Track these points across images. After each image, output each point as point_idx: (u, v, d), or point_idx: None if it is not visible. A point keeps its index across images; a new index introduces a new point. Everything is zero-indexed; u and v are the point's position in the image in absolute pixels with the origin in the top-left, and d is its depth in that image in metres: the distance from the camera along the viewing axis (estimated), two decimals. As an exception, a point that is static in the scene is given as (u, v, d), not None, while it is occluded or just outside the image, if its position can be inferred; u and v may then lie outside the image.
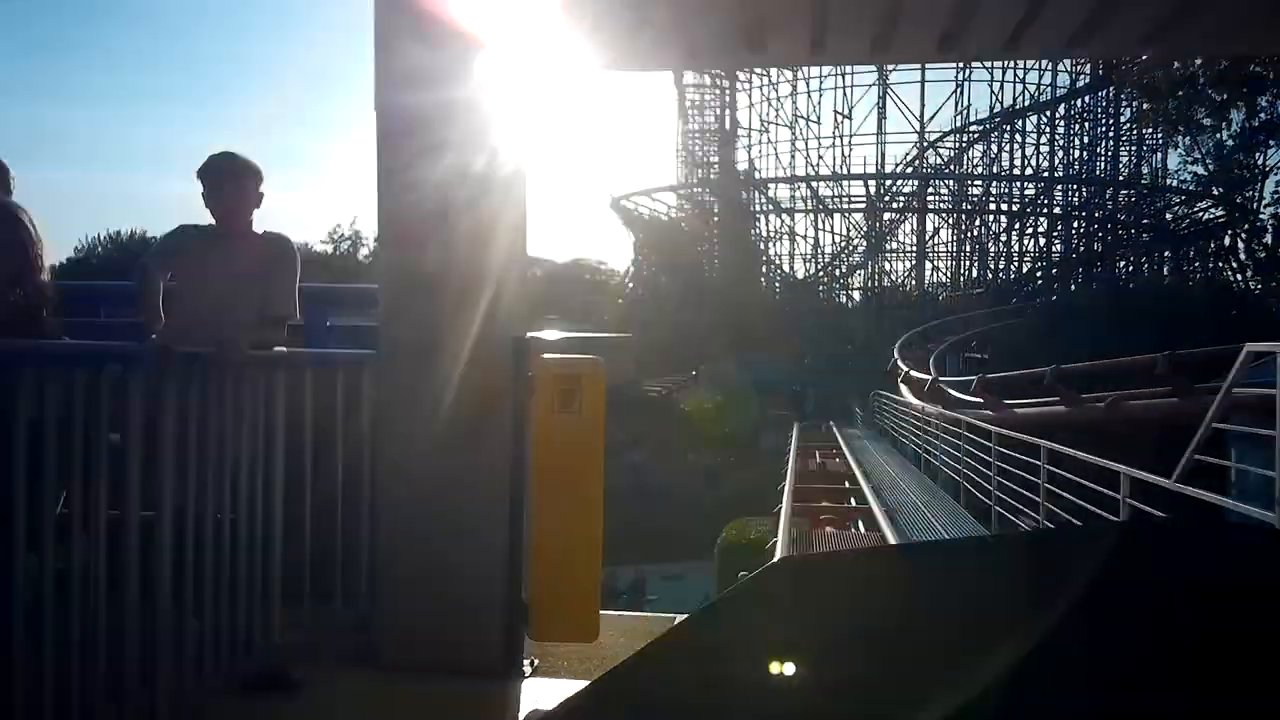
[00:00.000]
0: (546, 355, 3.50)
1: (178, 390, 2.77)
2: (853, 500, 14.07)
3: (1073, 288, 50.66)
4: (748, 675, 0.86)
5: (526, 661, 3.53)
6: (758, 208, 58.83)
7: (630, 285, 61.41)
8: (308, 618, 3.44)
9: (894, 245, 58.30)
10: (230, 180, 3.36)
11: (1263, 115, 41.54)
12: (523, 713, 3.27)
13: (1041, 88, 55.78)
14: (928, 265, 57.78)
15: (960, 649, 0.83)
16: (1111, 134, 55.27)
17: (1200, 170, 46.95)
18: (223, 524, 3.01)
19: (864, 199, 56.96)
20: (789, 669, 0.85)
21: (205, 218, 3.46)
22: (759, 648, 0.89)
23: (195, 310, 3.34)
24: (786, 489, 13.22)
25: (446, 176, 3.40)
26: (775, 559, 1.16)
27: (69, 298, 3.73)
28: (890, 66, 53.58)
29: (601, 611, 3.59)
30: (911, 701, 0.77)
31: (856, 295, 58.81)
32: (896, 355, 30.07)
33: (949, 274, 57.70)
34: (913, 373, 25.76)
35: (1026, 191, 56.72)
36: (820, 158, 57.48)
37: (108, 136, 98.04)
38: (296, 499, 3.41)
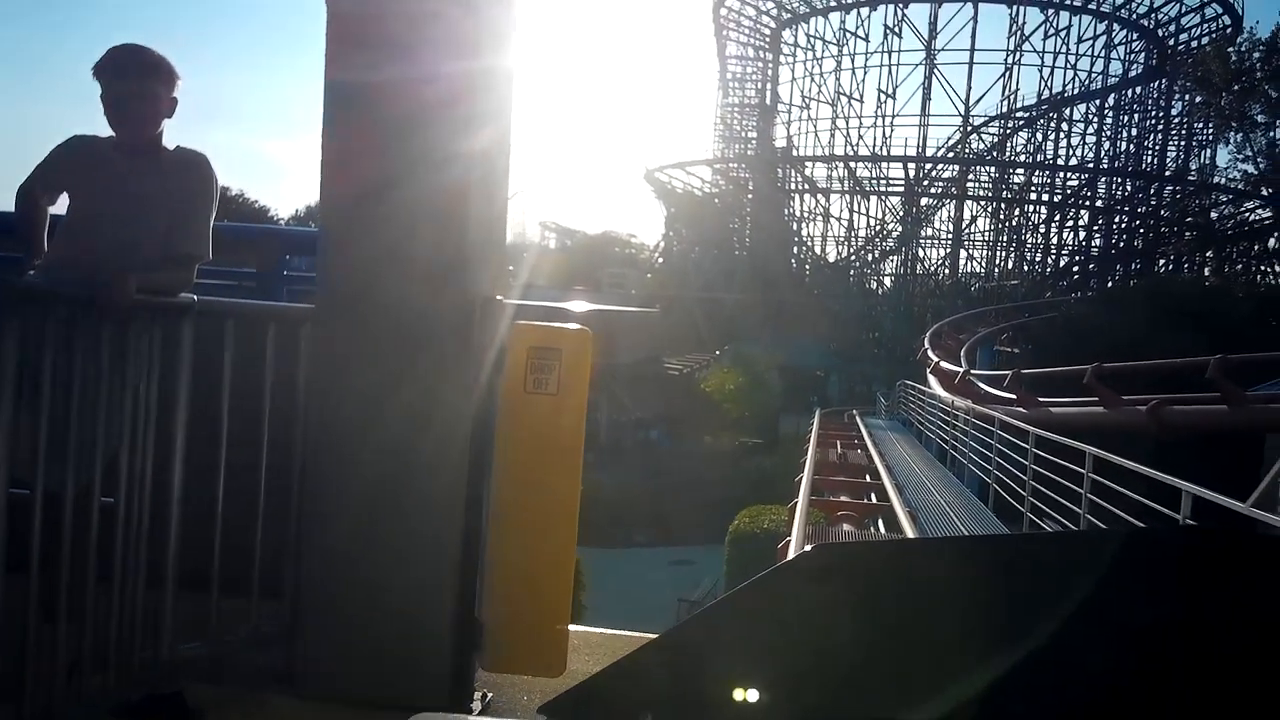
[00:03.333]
0: (522, 322, 2.81)
1: (19, 338, 2.12)
2: (873, 496, 13.34)
3: (1109, 284, 49.32)
4: (772, 662, 0.88)
5: (477, 696, 2.88)
6: (793, 186, 57.70)
7: (660, 260, 60.65)
8: (213, 626, 2.79)
9: (929, 232, 57.11)
10: (134, 79, 2.67)
11: (1320, 114, 40.07)
12: (468, 757, 2.62)
13: (1093, 75, 54.16)
14: (962, 254, 56.59)
15: (989, 644, 0.83)
16: (1161, 127, 53.62)
17: (1250, 169, 45.41)
18: (90, 505, 2.36)
19: (902, 181, 55.70)
20: (815, 655, 0.86)
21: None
22: (787, 632, 0.88)
23: (85, 241, 2.67)
24: (804, 480, 12.51)
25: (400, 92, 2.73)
26: (806, 548, 1.00)
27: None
28: (939, 45, 52.28)
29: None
30: (933, 688, 0.81)
31: (888, 281, 57.73)
32: (926, 344, 29.19)
33: (984, 264, 56.46)
34: (943, 364, 24.87)
35: (1070, 182, 55.22)
36: (860, 137, 56.28)
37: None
38: (207, 479, 2.77)
